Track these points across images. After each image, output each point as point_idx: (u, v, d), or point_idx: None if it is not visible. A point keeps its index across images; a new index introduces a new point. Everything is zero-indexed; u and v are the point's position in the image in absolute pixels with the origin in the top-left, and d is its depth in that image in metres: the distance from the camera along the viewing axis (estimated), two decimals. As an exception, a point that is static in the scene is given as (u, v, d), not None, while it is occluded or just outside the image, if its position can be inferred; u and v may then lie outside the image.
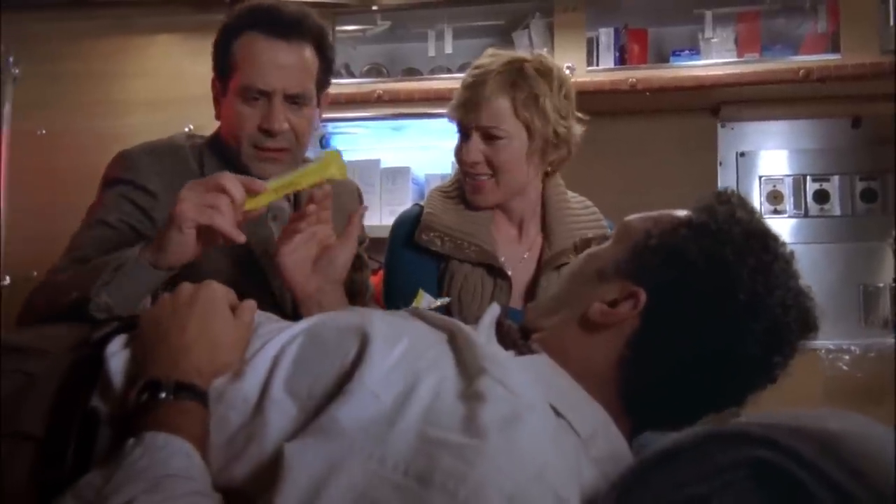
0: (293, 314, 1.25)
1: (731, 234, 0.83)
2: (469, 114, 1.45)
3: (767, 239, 0.84)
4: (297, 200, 1.46)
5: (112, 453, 0.71)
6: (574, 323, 0.88)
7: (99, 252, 1.22)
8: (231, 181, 1.05)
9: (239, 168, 1.38)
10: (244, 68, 1.34)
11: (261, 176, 1.28)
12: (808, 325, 0.84)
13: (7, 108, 2.55)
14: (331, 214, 1.22)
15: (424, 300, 1.39)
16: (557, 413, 0.76)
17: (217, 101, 1.43)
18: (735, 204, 0.86)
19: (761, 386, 0.85)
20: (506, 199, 1.53)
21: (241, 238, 1.05)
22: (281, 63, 1.34)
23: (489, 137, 1.45)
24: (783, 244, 0.85)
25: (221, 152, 1.41)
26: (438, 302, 1.39)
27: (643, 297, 0.83)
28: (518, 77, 1.45)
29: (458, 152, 1.49)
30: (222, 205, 1.03)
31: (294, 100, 1.36)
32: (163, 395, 0.75)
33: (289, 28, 1.34)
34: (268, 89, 1.33)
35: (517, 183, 1.52)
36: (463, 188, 1.54)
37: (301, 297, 1.19)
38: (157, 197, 1.31)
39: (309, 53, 1.37)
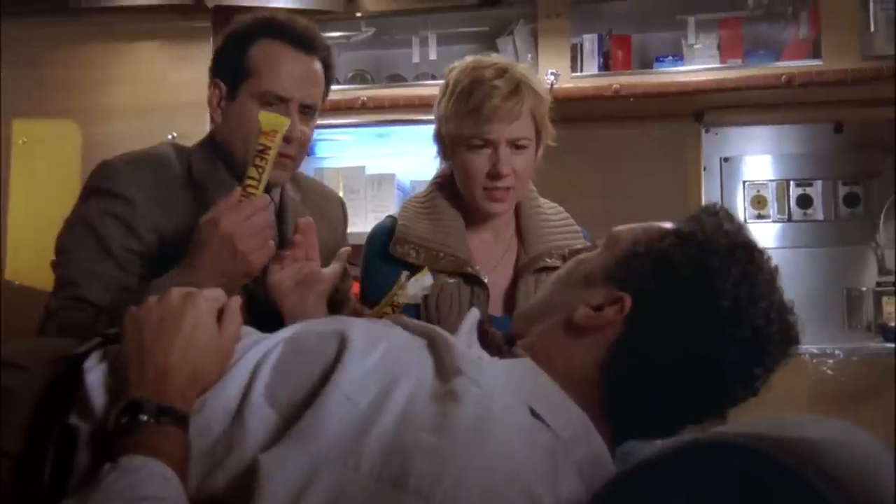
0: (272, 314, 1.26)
1: (717, 245, 0.84)
2: (502, 127, 1.43)
3: (753, 251, 0.85)
4: (281, 213, 1.48)
5: (88, 478, 0.70)
6: (559, 327, 0.88)
7: (99, 292, 1.26)
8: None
9: (234, 172, 1.39)
10: (265, 74, 1.36)
11: None
12: (789, 340, 0.84)
13: (-12, 116, 2.53)
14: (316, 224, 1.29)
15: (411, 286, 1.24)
16: (535, 415, 0.76)
17: (215, 105, 1.42)
18: (722, 217, 0.88)
19: (742, 398, 0.85)
20: (515, 204, 1.54)
21: None
22: (303, 73, 1.38)
23: (517, 148, 1.46)
24: (769, 258, 0.86)
25: (214, 156, 1.42)
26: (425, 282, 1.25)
27: (629, 302, 0.84)
28: (530, 84, 1.46)
29: (482, 166, 1.45)
30: None
31: (305, 110, 1.40)
32: (143, 417, 0.73)
33: (308, 41, 1.40)
34: (288, 97, 1.36)
35: (526, 188, 1.54)
36: (441, 200, 1.54)
37: (287, 309, 1.24)
38: (135, 205, 1.32)
39: (319, 68, 1.42)
